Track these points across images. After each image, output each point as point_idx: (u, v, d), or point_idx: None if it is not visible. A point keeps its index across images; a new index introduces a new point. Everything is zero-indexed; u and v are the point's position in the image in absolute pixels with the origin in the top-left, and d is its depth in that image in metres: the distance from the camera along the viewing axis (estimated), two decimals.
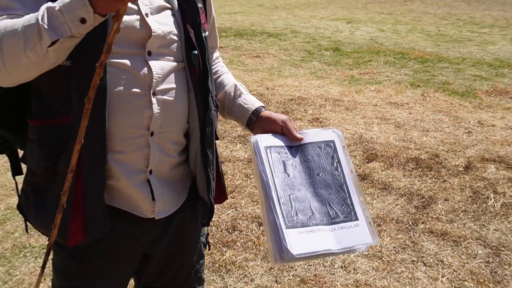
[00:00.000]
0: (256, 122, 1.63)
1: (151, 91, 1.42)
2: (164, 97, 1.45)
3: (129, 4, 1.32)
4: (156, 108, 1.43)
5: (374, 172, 3.95)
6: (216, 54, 1.83)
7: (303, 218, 1.42)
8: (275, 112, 1.65)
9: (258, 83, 5.75)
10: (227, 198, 1.78)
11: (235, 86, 1.74)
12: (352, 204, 1.47)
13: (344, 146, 1.56)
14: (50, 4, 1.16)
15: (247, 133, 4.46)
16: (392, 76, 6.46)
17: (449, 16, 10.89)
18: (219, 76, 1.78)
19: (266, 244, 3.14)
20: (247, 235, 3.20)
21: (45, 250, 3.04)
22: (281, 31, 8.95)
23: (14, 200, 3.59)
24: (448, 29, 9.47)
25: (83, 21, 1.15)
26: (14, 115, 1.49)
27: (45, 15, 1.16)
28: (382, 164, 4.08)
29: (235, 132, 4.55)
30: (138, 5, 1.37)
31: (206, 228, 1.81)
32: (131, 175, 1.46)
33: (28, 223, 1.59)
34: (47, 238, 1.55)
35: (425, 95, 5.72)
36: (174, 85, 1.47)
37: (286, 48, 7.75)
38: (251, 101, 1.68)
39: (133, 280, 1.82)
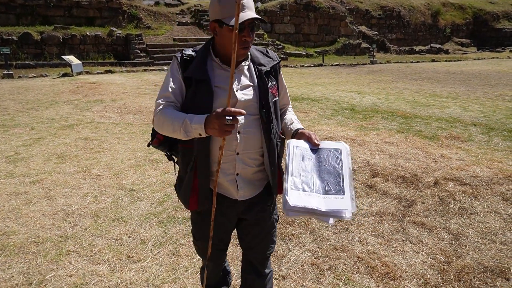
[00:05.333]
0: (295, 136, 1.63)
1: (237, 131, 1.54)
2: (244, 134, 1.56)
3: (225, 85, 1.52)
4: (239, 140, 1.54)
5: (377, 183, 3.83)
6: (289, 106, 1.86)
7: (305, 187, 1.38)
8: None
9: (305, 128, 5.82)
10: None
11: (291, 119, 1.75)
12: (343, 185, 1.39)
13: (348, 154, 1.50)
14: (189, 118, 1.41)
15: None
16: (386, 126, 6.27)
17: (420, 91, 10.53)
18: (285, 115, 1.80)
19: (307, 218, 3.07)
20: (301, 218, 3.15)
21: (185, 220, 3.10)
22: (319, 98, 8.90)
23: (169, 190, 3.72)
24: (419, 98, 9.15)
25: (200, 135, 1.41)
26: (174, 144, 1.66)
27: (185, 124, 1.42)
28: (382, 179, 3.95)
29: None
30: (232, 87, 1.53)
31: (277, 209, 1.86)
32: (226, 175, 1.59)
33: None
34: (183, 206, 1.82)
35: (407, 138, 5.52)
36: (251, 128, 1.57)
37: (322, 108, 7.69)
38: (295, 126, 1.69)
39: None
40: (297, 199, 1.32)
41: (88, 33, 16.68)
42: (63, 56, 14.17)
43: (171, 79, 1.56)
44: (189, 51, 1.58)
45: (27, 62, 14.91)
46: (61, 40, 16.04)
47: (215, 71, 1.55)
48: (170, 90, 1.54)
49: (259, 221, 1.74)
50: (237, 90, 1.53)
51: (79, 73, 13.65)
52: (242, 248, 1.89)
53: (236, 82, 1.55)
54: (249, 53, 1.60)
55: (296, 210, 1.32)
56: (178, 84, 1.55)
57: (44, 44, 15.75)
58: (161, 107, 1.52)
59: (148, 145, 1.71)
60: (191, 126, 1.39)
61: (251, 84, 1.58)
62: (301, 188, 1.37)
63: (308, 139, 1.54)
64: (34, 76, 13.02)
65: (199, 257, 2.41)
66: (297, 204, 1.31)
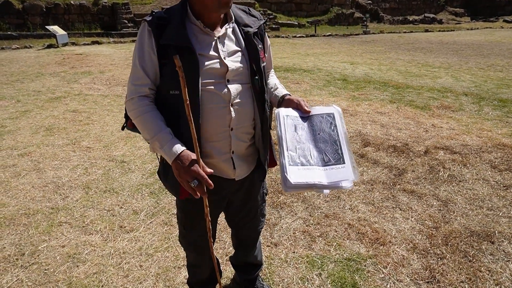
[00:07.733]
0: (282, 103, 1.50)
1: (230, 104, 1.36)
2: (237, 107, 1.38)
3: (211, 52, 1.35)
4: (233, 113, 1.37)
5: (369, 153, 3.84)
6: (272, 71, 1.70)
7: (303, 161, 1.28)
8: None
9: (291, 94, 5.84)
10: (276, 164, 1.63)
11: (275, 84, 1.61)
12: (342, 153, 1.29)
13: (341, 117, 1.39)
14: (159, 141, 1.29)
15: None
16: (378, 96, 6.24)
17: (413, 61, 10.44)
18: (268, 79, 1.63)
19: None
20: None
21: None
22: (311, 68, 8.76)
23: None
24: (412, 68, 9.07)
25: (167, 160, 1.31)
26: None
27: (154, 145, 1.31)
28: (373, 148, 3.96)
29: None
30: (219, 54, 1.35)
31: (266, 182, 1.76)
32: (220, 155, 1.42)
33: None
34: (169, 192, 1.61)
35: (399, 108, 5.51)
36: (243, 99, 1.40)
37: (314, 78, 7.59)
38: (281, 92, 1.56)
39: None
40: (297, 176, 1.22)
41: (72, 2, 16.02)
42: (47, 27, 13.64)
43: (141, 51, 1.31)
44: (161, 13, 1.33)
45: (9, 33, 14.34)
46: (44, 10, 15.40)
47: (197, 36, 1.33)
48: (141, 68, 1.31)
49: (250, 197, 1.64)
50: (224, 57, 1.34)
51: (65, 44, 13.20)
52: (232, 227, 1.81)
53: (222, 47, 1.35)
54: (232, 13, 1.41)
55: (297, 187, 1.22)
56: (149, 57, 1.31)
57: (26, 13, 15.12)
58: (134, 95, 1.33)
59: (123, 128, 1.52)
60: (161, 149, 1.29)
61: (239, 48, 1.39)
62: (299, 162, 1.27)
63: (298, 107, 1.41)
64: (17, 48, 12.57)
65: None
66: (298, 181, 1.21)
